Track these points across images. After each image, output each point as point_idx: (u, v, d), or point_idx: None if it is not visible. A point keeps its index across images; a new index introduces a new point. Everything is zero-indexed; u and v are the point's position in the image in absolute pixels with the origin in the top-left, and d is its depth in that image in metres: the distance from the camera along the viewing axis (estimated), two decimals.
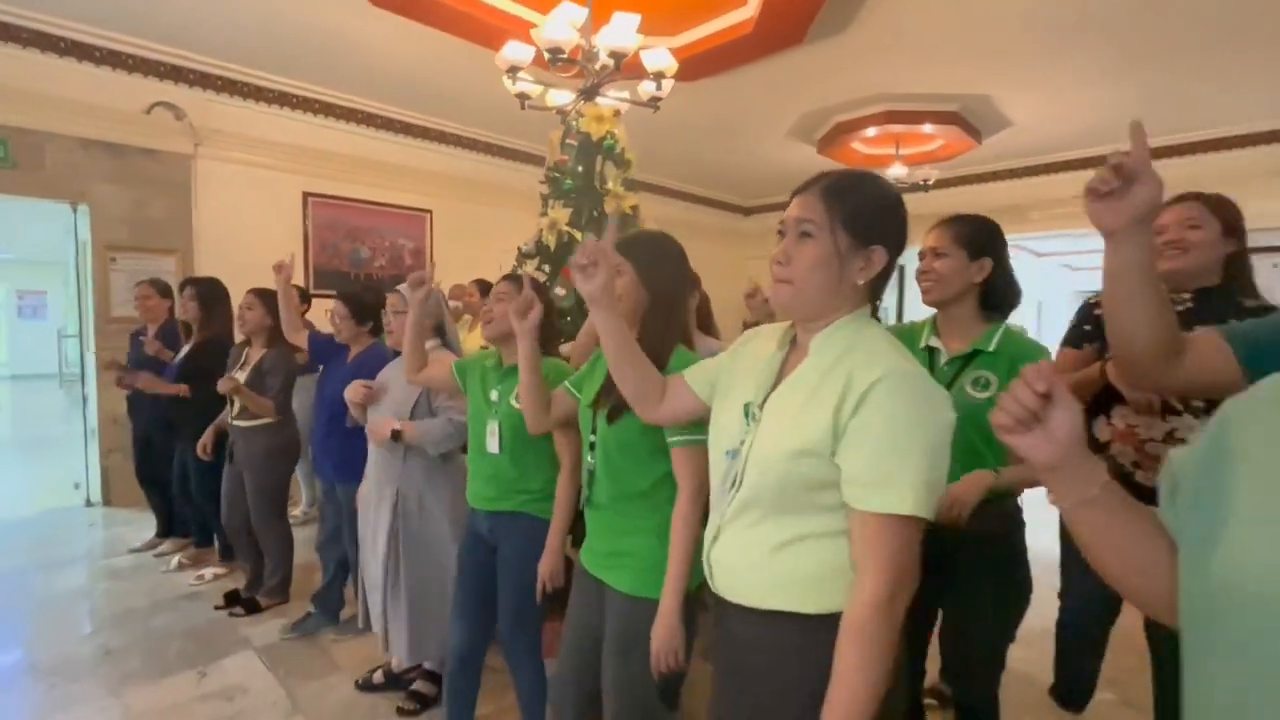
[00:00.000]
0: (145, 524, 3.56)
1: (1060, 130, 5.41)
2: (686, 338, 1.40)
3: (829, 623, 0.86)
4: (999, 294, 1.49)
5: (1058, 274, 14.34)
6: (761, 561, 0.92)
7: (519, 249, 2.87)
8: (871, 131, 5.08)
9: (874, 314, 0.97)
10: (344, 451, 2.35)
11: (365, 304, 2.46)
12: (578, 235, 2.68)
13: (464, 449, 1.95)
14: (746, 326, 2.53)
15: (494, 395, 1.73)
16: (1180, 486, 0.60)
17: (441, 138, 5.43)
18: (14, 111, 3.67)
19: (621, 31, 2.58)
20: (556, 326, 1.97)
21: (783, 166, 6.62)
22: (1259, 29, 3.52)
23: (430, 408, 2.07)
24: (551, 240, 2.68)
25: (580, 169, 2.77)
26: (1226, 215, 1.55)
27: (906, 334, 1.58)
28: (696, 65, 3.79)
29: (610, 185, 2.77)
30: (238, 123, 4.46)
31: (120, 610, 2.71)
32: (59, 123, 3.83)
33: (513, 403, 1.65)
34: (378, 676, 2.24)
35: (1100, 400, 1.66)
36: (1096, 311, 1.69)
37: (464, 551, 1.82)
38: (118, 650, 2.38)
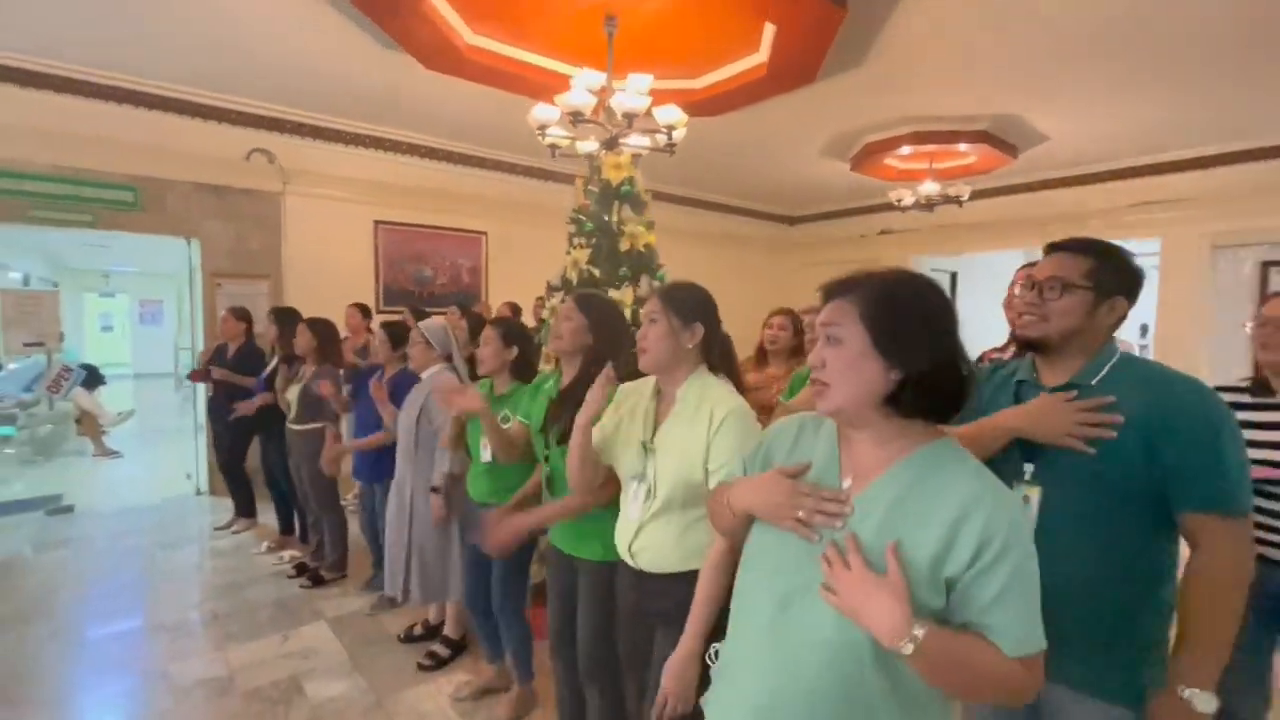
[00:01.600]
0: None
1: (1099, 141, 5.33)
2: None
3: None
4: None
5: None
6: (675, 541, 1.38)
7: (547, 284, 3.27)
8: (905, 150, 5.19)
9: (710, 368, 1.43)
10: (378, 460, 2.89)
11: (399, 334, 2.95)
12: (595, 272, 3.05)
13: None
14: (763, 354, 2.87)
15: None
16: (747, 469, 1.10)
17: (495, 165, 5.94)
18: (144, 164, 4.41)
19: (634, 97, 2.92)
20: (533, 359, 2.37)
21: (820, 180, 6.77)
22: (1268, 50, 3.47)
23: (429, 419, 2.53)
24: (574, 277, 3.06)
25: (600, 212, 3.14)
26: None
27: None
28: (718, 103, 4.08)
29: (627, 227, 3.12)
30: (318, 162, 5.10)
31: (223, 583, 3.31)
32: (177, 171, 4.55)
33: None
34: (417, 629, 2.78)
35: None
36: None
37: (469, 529, 2.30)
38: (222, 615, 2.95)
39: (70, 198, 4.21)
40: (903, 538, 0.82)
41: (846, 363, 0.87)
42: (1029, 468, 1.17)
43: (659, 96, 3.18)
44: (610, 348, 1.74)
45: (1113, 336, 1.19)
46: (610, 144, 3.25)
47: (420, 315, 4.02)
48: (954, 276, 9.38)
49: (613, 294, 2.95)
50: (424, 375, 2.58)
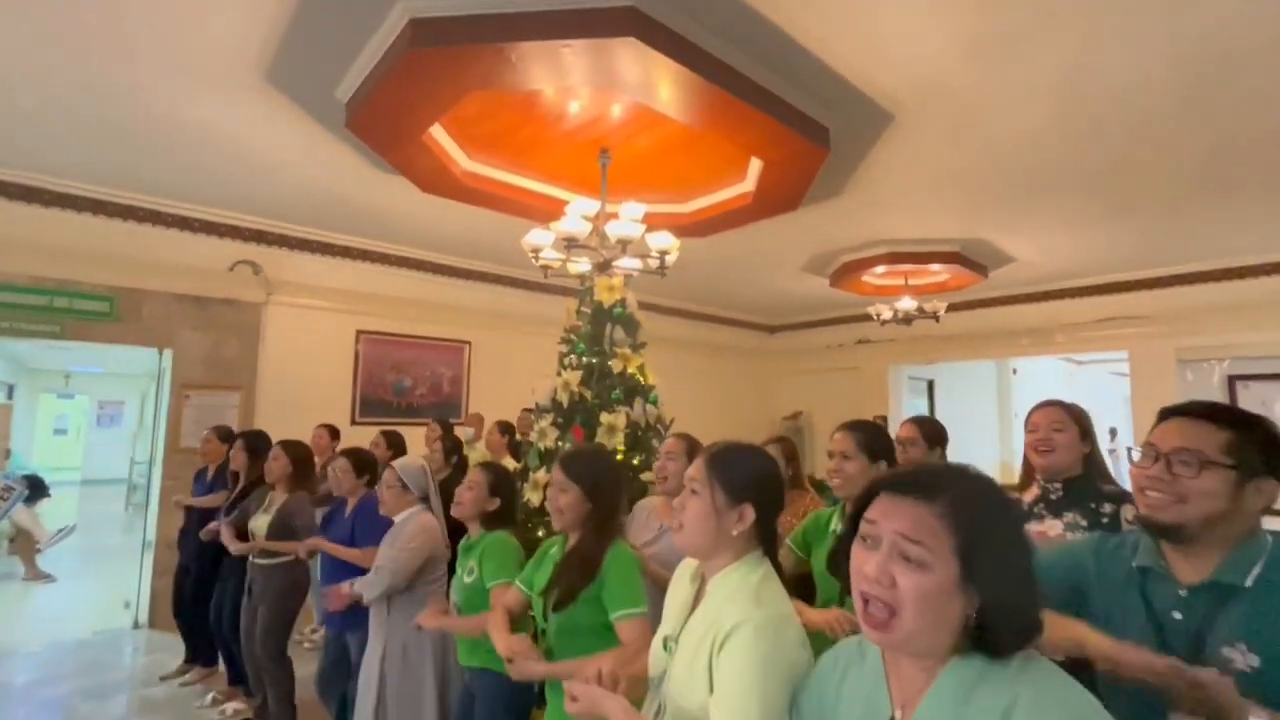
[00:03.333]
0: (179, 650, 3.77)
1: (1064, 262, 5.62)
2: (621, 533, 1.68)
3: None
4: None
5: (1103, 380, 14.08)
6: None
7: (536, 404, 3.17)
8: (880, 269, 5.40)
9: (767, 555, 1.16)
10: (353, 608, 2.55)
11: (364, 460, 2.79)
12: (588, 395, 2.97)
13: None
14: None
15: (465, 577, 2.01)
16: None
17: (480, 276, 6.00)
18: (121, 275, 4.33)
19: (628, 225, 2.98)
20: (514, 512, 2.24)
21: (801, 294, 6.98)
22: (1233, 176, 3.75)
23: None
24: (565, 398, 2.97)
25: (592, 333, 3.11)
26: (1082, 421, 1.79)
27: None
28: (705, 226, 4.22)
29: (619, 349, 3.08)
30: (303, 273, 5.09)
31: None
32: (157, 281, 4.47)
33: (465, 578, 2.00)
34: None
35: None
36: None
37: (459, 700, 2.09)
38: None
39: (43, 309, 4.08)
40: None
41: (927, 595, 0.73)
42: None
43: (649, 220, 3.26)
44: (610, 507, 1.62)
45: (1260, 527, 1.02)
46: (603, 267, 3.28)
47: (394, 439, 3.88)
48: (930, 384, 9.57)
49: (605, 417, 2.86)
50: (398, 518, 2.39)
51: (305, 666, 3.17)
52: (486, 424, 5.00)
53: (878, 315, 5.74)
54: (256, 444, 3.35)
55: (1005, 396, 11.08)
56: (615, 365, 3.02)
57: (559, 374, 3.10)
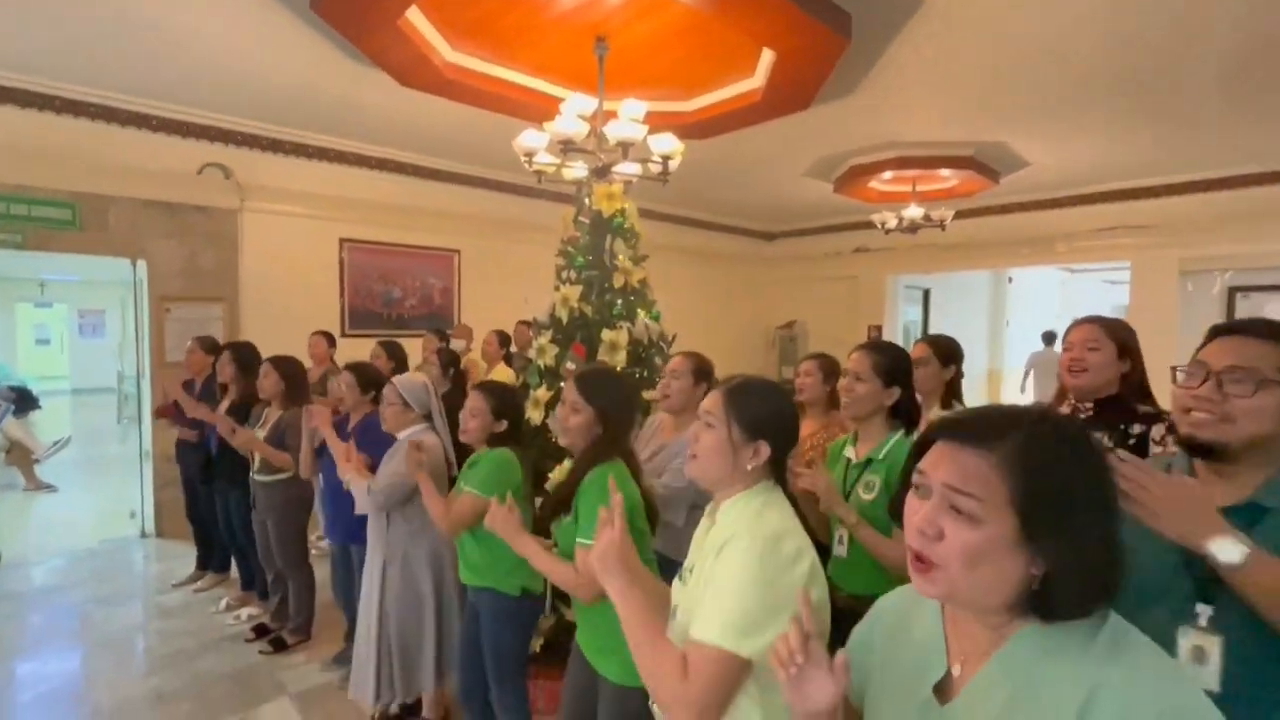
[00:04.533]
0: (192, 558, 3.86)
1: (1078, 168, 5.39)
2: (626, 457, 1.61)
3: None
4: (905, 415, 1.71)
5: (1096, 289, 14.08)
6: None
7: (534, 319, 3.06)
8: (887, 175, 5.15)
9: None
10: (349, 515, 2.55)
11: (370, 375, 2.69)
12: (588, 311, 2.85)
13: None
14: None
15: None
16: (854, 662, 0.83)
17: (468, 181, 5.68)
18: (82, 179, 4.03)
19: (628, 125, 2.74)
20: (520, 431, 2.19)
21: (802, 200, 6.71)
22: (1258, 81, 3.51)
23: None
24: (564, 315, 2.85)
25: (592, 245, 2.95)
26: (1121, 337, 1.70)
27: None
28: (708, 127, 3.94)
29: (620, 260, 2.93)
30: (279, 177, 4.77)
31: (171, 651, 2.98)
32: (122, 187, 4.17)
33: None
34: (394, 708, 2.48)
35: None
36: None
37: (466, 614, 2.10)
38: (169, 694, 2.64)
39: (1, 216, 3.81)
40: None
41: (976, 551, 0.66)
42: (1204, 610, 0.92)
43: (648, 119, 3.01)
44: (618, 434, 1.56)
45: None
46: (601, 172, 3.06)
47: (395, 350, 3.77)
48: (926, 294, 9.49)
49: (606, 334, 2.77)
50: (400, 436, 2.33)
51: (316, 571, 3.25)
52: (477, 336, 4.90)
53: (883, 224, 5.55)
54: (244, 355, 3.24)
55: (999, 305, 11.07)
56: (616, 279, 2.89)
57: (557, 288, 2.96)
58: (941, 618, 0.79)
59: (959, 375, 2.27)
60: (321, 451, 2.76)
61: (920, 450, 0.77)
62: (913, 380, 1.75)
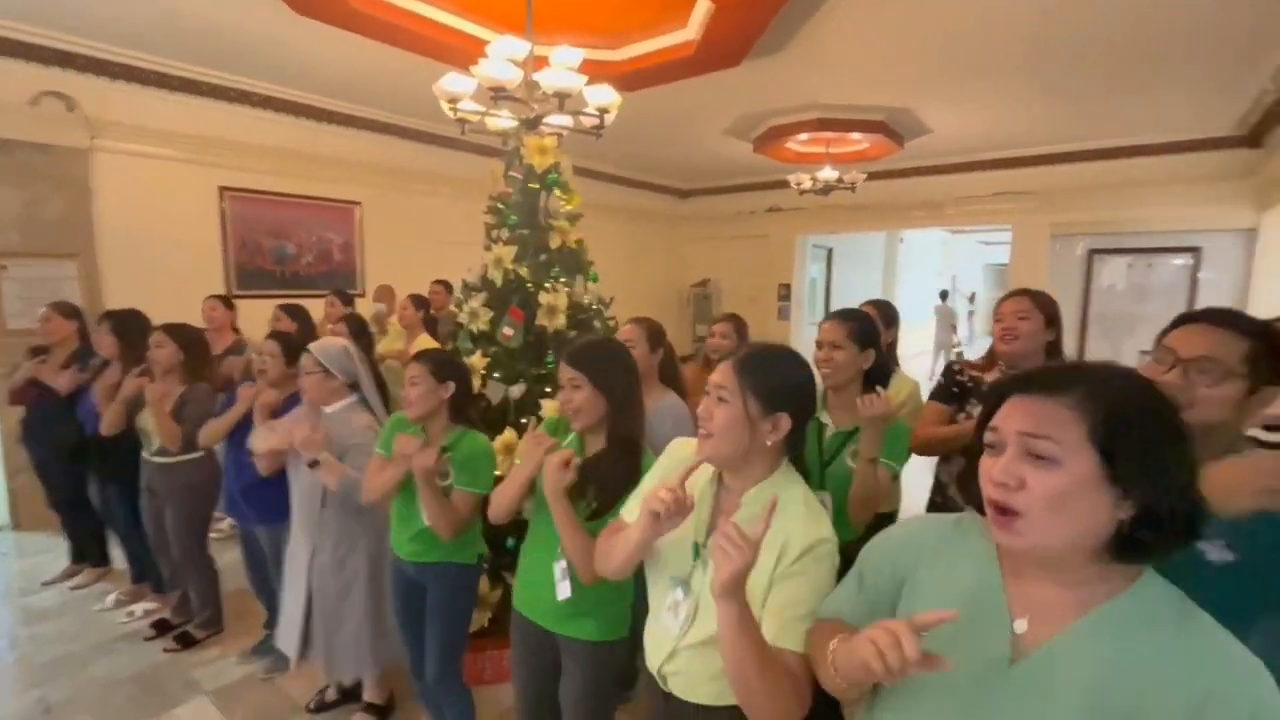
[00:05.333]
0: (61, 552, 3.41)
1: (972, 136, 5.76)
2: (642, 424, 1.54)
3: None
4: (878, 377, 1.75)
5: (971, 249, 15.40)
6: (718, 672, 1.04)
7: (464, 281, 2.87)
8: (804, 136, 5.24)
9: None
10: (266, 497, 2.35)
11: (298, 345, 2.42)
12: (523, 273, 2.71)
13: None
14: (708, 362, 2.68)
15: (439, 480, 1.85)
16: (865, 582, 0.88)
17: (369, 125, 5.18)
18: None
19: (565, 76, 2.57)
20: (471, 393, 2.05)
21: (720, 158, 6.72)
22: (1144, 60, 3.87)
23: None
24: (498, 277, 2.70)
25: (524, 202, 2.79)
26: (1047, 309, 1.85)
27: None
28: (637, 79, 3.80)
29: (555, 220, 2.80)
30: (138, 112, 4.11)
31: (53, 658, 2.63)
32: None
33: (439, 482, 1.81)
34: (330, 694, 2.36)
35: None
36: (959, 376, 2.01)
37: (397, 593, 1.97)
38: (59, 705, 2.34)
39: None
40: (1125, 707, 0.63)
41: (1059, 493, 0.65)
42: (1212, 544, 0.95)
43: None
44: (628, 399, 1.49)
45: (1245, 433, 1.05)
46: (532, 124, 2.87)
47: (298, 313, 3.43)
48: (830, 253, 9.94)
49: (544, 296, 2.65)
50: (328, 410, 2.13)
51: (220, 555, 2.97)
52: (399, 301, 4.56)
53: (798, 184, 5.68)
54: (127, 325, 2.82)
55: (892, 263, 11.82)
56: (552, 239, 2.76)
57: (487, 248, 2.79)
58: (999, 568, 0.76)
59: (895, 339, 2.39)
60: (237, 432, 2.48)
61: (988, 415, 0.76)
62: (880, 343, 1.80)
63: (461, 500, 1.78)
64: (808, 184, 5.61)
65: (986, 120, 5.17)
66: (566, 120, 2.95)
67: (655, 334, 2.21)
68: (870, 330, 1.74)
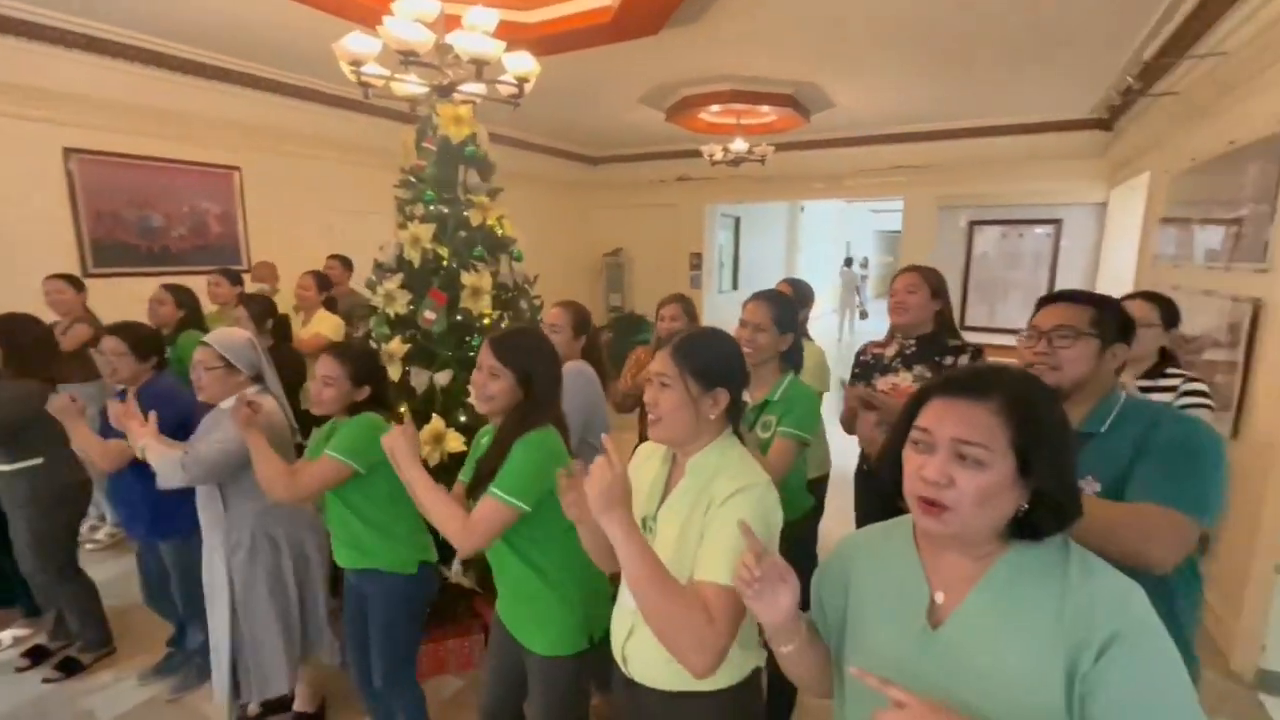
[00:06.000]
0: None
1: (871, 112, 6.02)
2: (557, 422, 1.51)
3: (723, 694, 1.14)
4: (795, 358, 1.88)
5: (863, 217, 16.28)
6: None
7: (376, 262, 2.68)
8: (716, 107, 5.27)
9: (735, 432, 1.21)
10: (154, 506, 2.15)
11: (147, 338, 2.20)
12: (442, 252, 2.57)
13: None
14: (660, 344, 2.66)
15: None
16: (825, 605, 0.98)
17: (251, 82, 4.63)
18: None
19: (482, 39, 2.41)
20: (387, 385, 1.96)
21: (632, 126, 6.62)
22: (1026, 43, 4.18)
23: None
24: (415, 257, 2.54)
25: (440, 176, 2.62)
26: (933, 282, 2.06)
27: None
28: (549, 44, 3.63)
29: (475, 196, 2.66)
30: None
31: None
32: None
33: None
34: (252, 708, 2.22)
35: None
36: (863, 357, 2.21)
37: (346, 601, 1.90)
38: None
39: None
40: (1016, 647, 0.75)
41: (985, 491, 0.75)
42: None
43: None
44: (545, 397, 1.46)
45: (1115, 386, 1.24)
46: (444, 91, 2.69)
47: (184, 296, 3.07)
48: (737, 221, 10.16)
49: (467, 278, 2.53)
50: (228, 405, 1.93)
51: (99, 570, 2.68)
52: (285, 276, 4.19)
53: (710, 155, 5.73)
54: None
55: (794, 231, 12.29)
56: (474, 216, 2.62)
57: (402, 225, 2.61)
58: (916, 551, 0.88)
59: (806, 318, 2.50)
60: (106, 431, 2.20)
61: (912, 410, 0.84)
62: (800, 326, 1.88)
63: (322, 465, 1.68)
64: (720, 155, 5.67)
65: (886, 96, 5.40)
66: (481, 88, 2.79)
67: (581, 320, 2.18)
68: (791, 315, 1.82)
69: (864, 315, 11.97)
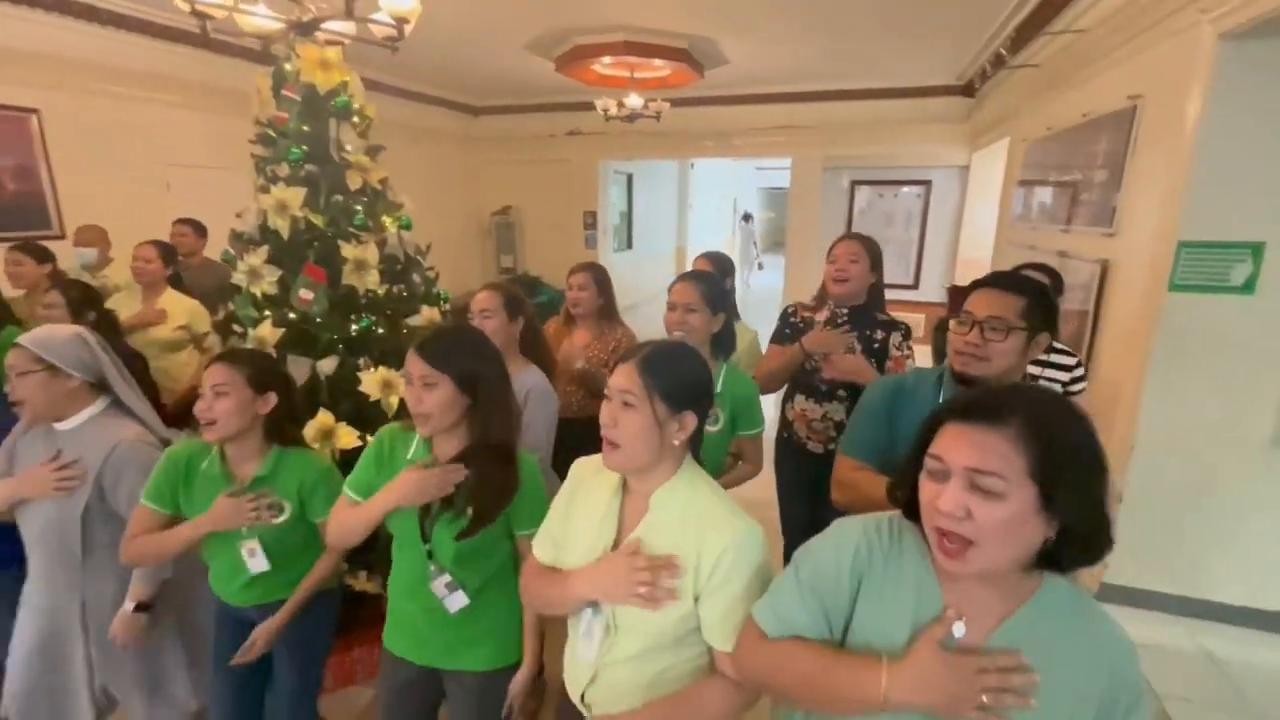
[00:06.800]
0: None
1: (761, 69, 6.04)
2: (517, 423, 1.38)
3: None
4: (727, 342, 1.81)
5: (750, 174, 16.71)
6: (643, 690, 1.05)
7: (233, 232, 2.29)
8: (608, 59, 5.04)
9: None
10: None
11: None
12: (316, 220, 2.24)
13: None
14: (569, 318, 2.47)
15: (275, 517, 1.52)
16: (818, 593, 0.92)
17: (51, 5, 3.77)
18: None
19: None
20: (293, 391, 1.64)
21: (517, 74, 6.20)
22: (906, 16, 4.32)
23: (111, 496, 1.58)
24: (284, 227, 2.20)
25: (309, 131, 2.27)
26: (874, 253, 2.06)
27: None
28: None
29: (351, 154, 2.33)
30: None
31: None
32: None
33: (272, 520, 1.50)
34: None
35: (788, 390, 2.17)
36: (792, 319, 2.19)
37: (228, 641, 1.58)
38: None
39: None
40: (1043, 696, 0.72)
41: (1005, 525, 0.70)
42: None
43: None
44: (499, 408, 1.30)
45: (1026, 372, 1.29)
46: (306, 29, 2.30)
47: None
48: (630, 178, 9.98)
49: (349, 250, 2.24)
50: (74, 420, 1.58)
51: None
52: (117, 246, 3.51)
53: (604, 110, 5.50)
54: None
55: (684, 189, 12.30)
56: (351, 179, 2.31)
57: (265, 188, 2.25)
58: (935, 577, 0.81)
59: (734, 290, 2.46)
60: None
61: (927, 435, 0.79)
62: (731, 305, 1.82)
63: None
64: (615, 110, 5.46)
65: (777, 53, 5.40)
66: (350, 27, 2.43)
67: (514, 301, 1.99)
68: (722, 293, 1.76)
69: (760, 266, 12.67)
